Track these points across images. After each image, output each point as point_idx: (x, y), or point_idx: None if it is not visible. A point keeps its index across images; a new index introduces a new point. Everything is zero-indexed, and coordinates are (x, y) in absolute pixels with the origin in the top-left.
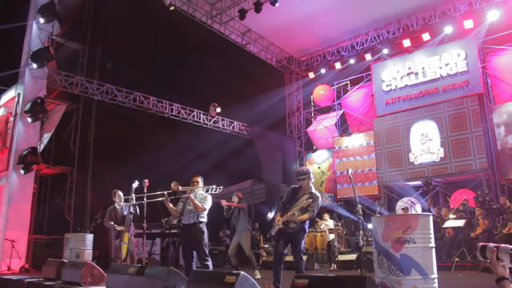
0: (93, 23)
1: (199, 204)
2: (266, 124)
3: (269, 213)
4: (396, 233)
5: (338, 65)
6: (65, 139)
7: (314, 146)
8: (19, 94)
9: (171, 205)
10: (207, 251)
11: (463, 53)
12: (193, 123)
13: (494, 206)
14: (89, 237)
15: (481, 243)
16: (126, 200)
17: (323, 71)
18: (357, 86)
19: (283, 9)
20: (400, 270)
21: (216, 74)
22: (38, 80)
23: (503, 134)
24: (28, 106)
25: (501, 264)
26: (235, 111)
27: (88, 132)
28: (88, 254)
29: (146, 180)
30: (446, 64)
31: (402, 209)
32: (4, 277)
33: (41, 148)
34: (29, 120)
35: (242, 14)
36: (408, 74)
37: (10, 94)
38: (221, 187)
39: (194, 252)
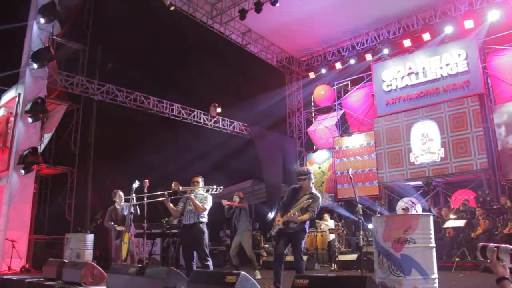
0: (93, 23)
1: (200, 204)
2: (266, 124)
3: (270, 213)
4: (396, 233)
5: (338, 65)
6: (66, 139)
7: (314, 146)
8: (19, 94)
9: (171, 205)
10: (207, 251)
11: (463, 53)
12: (194, 123)
13: (494, 206)
14: (90, 237)
15: (481, 243)
16: (126, 200)
17: (323, 71)
18: (357, 86)
19: (284, 9)
20: (400, 270)
21: (216, 74)
22: (39, 80)
23: (503, 134)
24: (28, 106)
25: (502, 264)
26: (236, 111)
27: (88, 132)
28: (88, 254)
29: (147, 180)
30: (447, 64)
31: (402, 209)
32: (5, 277)
33: (41, 148)
34: (30, 120)
35: (243, 14)
36: (409, 74)
37: (10, 94)
38: (222, 187)
39: (195, 252)
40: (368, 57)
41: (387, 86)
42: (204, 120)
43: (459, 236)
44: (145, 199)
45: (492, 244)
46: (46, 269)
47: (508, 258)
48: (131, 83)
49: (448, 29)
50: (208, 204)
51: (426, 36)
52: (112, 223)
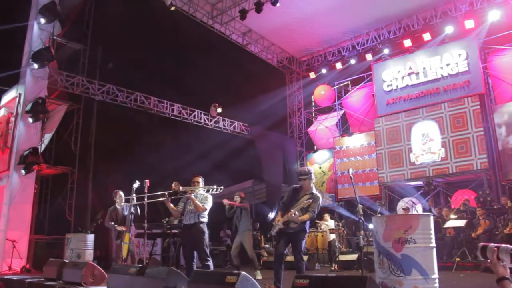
0: (94, 23)
1: (200, 204)
2: (267, 124)
3: (270, 213)
4: (397, 233)
5: (339, 65)
6: (66, 139)
7: (315, 146)
8: (20, 94)
9: (171, 205)
10: (207, 251)
11: (464, 53)
12: (194, 123)
13: (495, 206)
14: (90, 237)
15: (481, 243)
16: (127, 201)
17: (324, 71)
18: (358, 86)
19: (284, 9)
20: (401, 270)
21: (217, 74)
22: (39, 80)
23: (504, 134)
24: (29, 107)
25: (502, 264)
26: (236, 111)
27: (89, 132)
28: (89, 254)
29: (147, 180)
30: (447, 64)
31: (403, 209)
32: (6, 277)
33: (42, 148)
34: (30, 120)
35: (243, 14)
36: (409, 74)
37: (11, 94)
38: (222, 187)
39: (195, 252)
40: (369, 57)
41: (388, 86)
42: (204, 120)
43: (460, 236)
44: (146, 199)
45: (492, 244)
46: (46, 269)
47: (509, 258)
48: (132, 83)
49: (449, 29)
50: (209, 204)
51: (427, 36)
52: (113, 223)
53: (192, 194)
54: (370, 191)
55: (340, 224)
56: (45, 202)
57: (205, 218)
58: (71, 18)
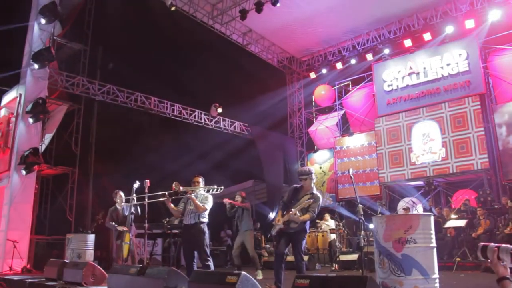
0: (94, 24)
1: (200, 204)
2: (267, 124)
3: (271, 213)
4: (397, 233)
5: (339, 65)
6: (67, 140)
7: (315, 146)
8: (20, 94)
9: (172, 205)
10: (208, 251)
11: (464, 53)
12: (195, 123)
13: (495, 206)
14: (91, 237)
15: (482, 243)
16: (127, 201)
17: (324, 71)
18: (358, 86)
19: (284, 9)
20: (401, 270)
21: (217, 74)
22: (40, 81)
23: (504, 134)
24: (29, 107)
25: (502, 264)
26: (236, 111)
27: (89, 132)
28: (89, 255)
29: (147, 181)
30: (448, 64)
31: (403, 209)
32: (6, 277)
33: (42, 148)
34: (31, 120)
35: (243, 14)
36: (410, 74)
37: (11, 94)
38: (222, 187)
39: (195, 252)
40: (369, 57)
41: (388, 86)
42: (205, 120)
43: (460, 236)
44: (146, 199)
45: (492, 244)
46: (47, 269)
47: (509, 258)
48: (132, 84)
49: (449, 29)
50: (209, 204)
51: (427, 36)
52: (113, 224)
53: (193, 194)
54: (371, 191)
55: (341, 224)
56: (45, 202)
57: (205, 218)
58: (71, 18)
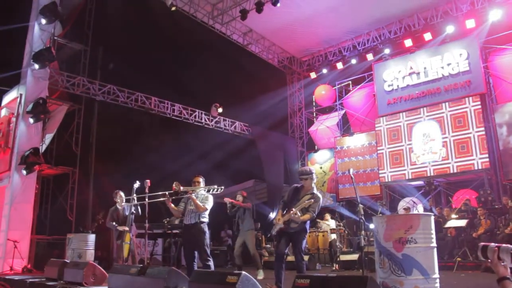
0: (94, 24)
1: (201, 204)
2: (267, 124)
3: (271, 213)
4: (397, 233)
5: (339, 65)
6: (67, 140)
7: (316, 146)
8: (21, 94)
9: (172, 205)
10: (208, 251)
11: (465, 52)
12: (195, 123)
13: (496, 206)
14: (91, 237)
15: (482, 243)
16: (127, 201)
17: (324, 71)
18: (358, 86)
19: (285, 9)
20: (401, 270)
21: (217, 74)
22: (40, 81)
23: (505, 134)
24: (30, 107)
25: (502, 264)
26: (237, 111)
27: (90, 132)
28: (90, 254)
29: (148, 181)
30: (448, 64)
31: (404, 209)
32: (7, 277)
33: (43, 148)
34: (31, 120)
35: (244, 14)
36: (410, 74)
37: (12, 94)
38: (222, 187)
39: (196, 252)
40: (369, 57)
41: (389, 86)
42: (205, 120)
43: (461, 236)
44: (147, 199)
45: (493, 244)
46: (47, 269)
47: (509, 258)
48: (133, 84)
49: (450, 29)
50: (209, 204)
51: (428, 36)
52: (114, 223)
53: (193, 194)
54: (371, 191)
55: (341, 224)
56: (46, 202)
57: (206, 218)
58: (72, 18)
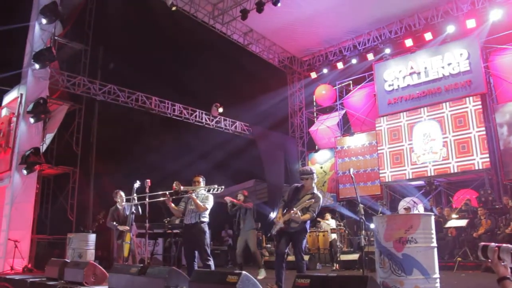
0: (95, 24)
1: (201, 204)
2: (268, 124)
3: (272, 213)
4: (397, 233)
5: (340, 65)
6: (68, 140)
7: (316, 146)
8: (21, 94)
9: (172, 205)
10: (209, 251)
11: (465, 52)
12: (195, 123)
13: (496, 206)
14: (92, 237)
15: (482, 243)
16: (127, 200)
17: (325, 71)
18: (359, 86)
19: (285, 9)
20: (402, 270)
21: (218, 74)
22: (41, 81)
23: (506, 134)
24: (30, 107)
25: (503, 264)
26: (237, 111)
27: (90, 132)
28: (90, 254)
29: (148, 180)
30: (449, 64)
31: (404, 209)
32: (7, 277)
33: (43, 148)
34: (32, 120)
35: (244, 14)
36: (411, 73)
37: (13, 94)
38: (223, 187)
39: (196, 252)
40: (370, 56)
41: (389, 85)
42: (206, 120)
43: (461, 235)
44: (147, 199)
45: (493, 243)
46: (48, 269)
47: (509, 258)
48: (133, 83)
49: (450, 29)
50: (210, 204)
51: (428, 36)
52: (114, 223)
53: (193, 194)
54: (372, 191)
55: (342, 223)
56: (46, 202)
57: (206, 218)
58: (72, 18)
